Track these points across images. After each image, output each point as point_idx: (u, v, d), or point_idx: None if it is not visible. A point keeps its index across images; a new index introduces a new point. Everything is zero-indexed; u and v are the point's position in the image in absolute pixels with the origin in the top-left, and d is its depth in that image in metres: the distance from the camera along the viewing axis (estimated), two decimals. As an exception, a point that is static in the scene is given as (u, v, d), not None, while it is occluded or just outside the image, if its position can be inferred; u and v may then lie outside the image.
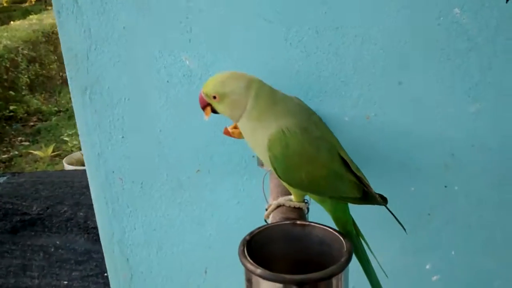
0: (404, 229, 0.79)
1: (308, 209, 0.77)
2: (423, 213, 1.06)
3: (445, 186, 1.04)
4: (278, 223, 0.59)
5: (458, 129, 1.00)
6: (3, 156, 5.15)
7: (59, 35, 1.01)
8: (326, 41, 0.97)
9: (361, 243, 0.80)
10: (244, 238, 0.55)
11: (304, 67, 0.99)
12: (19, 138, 5.61)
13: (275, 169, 0.70)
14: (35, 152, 5.01)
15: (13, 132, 5.69)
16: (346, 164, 0.74)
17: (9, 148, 5.37)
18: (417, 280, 1.12)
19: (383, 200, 0.80)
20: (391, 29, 0.95)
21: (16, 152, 5.25)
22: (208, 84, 0.75)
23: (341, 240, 0.55)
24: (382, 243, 1.08)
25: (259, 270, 0.48)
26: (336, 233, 0.56)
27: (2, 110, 5.78)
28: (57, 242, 2.20)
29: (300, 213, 0.68)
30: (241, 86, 0.71)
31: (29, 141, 5.54)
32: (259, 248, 0.56)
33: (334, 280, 0.49)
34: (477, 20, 0.93)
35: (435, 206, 1.06)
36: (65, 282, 2.00)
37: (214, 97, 0.74)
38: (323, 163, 0.70)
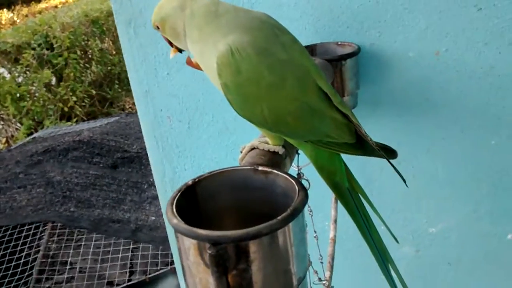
0: (405, 181, 0.60)
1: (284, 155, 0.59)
2: (505, 173, 0.87)
3: (536, 141, 0.83)
4: (236, 168, 0.46)
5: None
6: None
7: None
8: (386, -42, 0.81)
9: (358, 198, 0.63)
10: (185, 183, 0.44)
11: (358, -8, 0.84)
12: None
13: (229, 102, 0.58)
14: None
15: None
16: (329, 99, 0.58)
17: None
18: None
19: (390, 153, 0.61)
20: None
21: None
22: (153, 13, 0.62)
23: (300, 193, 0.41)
24: (452, 204, 0.92)
25: (175, 220, 0.38)
26: (294, 183, 0.43)
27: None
28: (151, 180, 2.32)
29: (274, 158, 0.55)
30: (174, 7, 0.59)
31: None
32: (209, 196, 0.46)
33: (269, 240, 0.37)
34: None
35: (521, 165, 0.85)
36: (153, 218, 2.12)
37: (158, 28, 0.62)
38: (290, 95, 0.55)
